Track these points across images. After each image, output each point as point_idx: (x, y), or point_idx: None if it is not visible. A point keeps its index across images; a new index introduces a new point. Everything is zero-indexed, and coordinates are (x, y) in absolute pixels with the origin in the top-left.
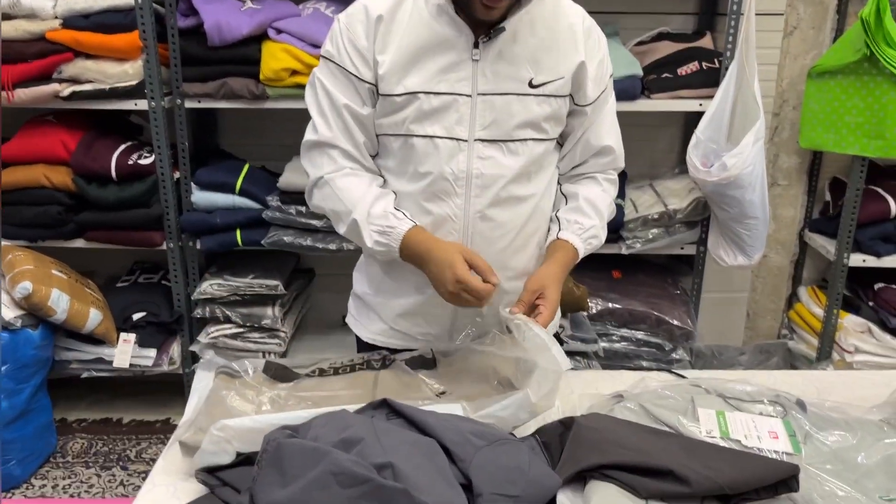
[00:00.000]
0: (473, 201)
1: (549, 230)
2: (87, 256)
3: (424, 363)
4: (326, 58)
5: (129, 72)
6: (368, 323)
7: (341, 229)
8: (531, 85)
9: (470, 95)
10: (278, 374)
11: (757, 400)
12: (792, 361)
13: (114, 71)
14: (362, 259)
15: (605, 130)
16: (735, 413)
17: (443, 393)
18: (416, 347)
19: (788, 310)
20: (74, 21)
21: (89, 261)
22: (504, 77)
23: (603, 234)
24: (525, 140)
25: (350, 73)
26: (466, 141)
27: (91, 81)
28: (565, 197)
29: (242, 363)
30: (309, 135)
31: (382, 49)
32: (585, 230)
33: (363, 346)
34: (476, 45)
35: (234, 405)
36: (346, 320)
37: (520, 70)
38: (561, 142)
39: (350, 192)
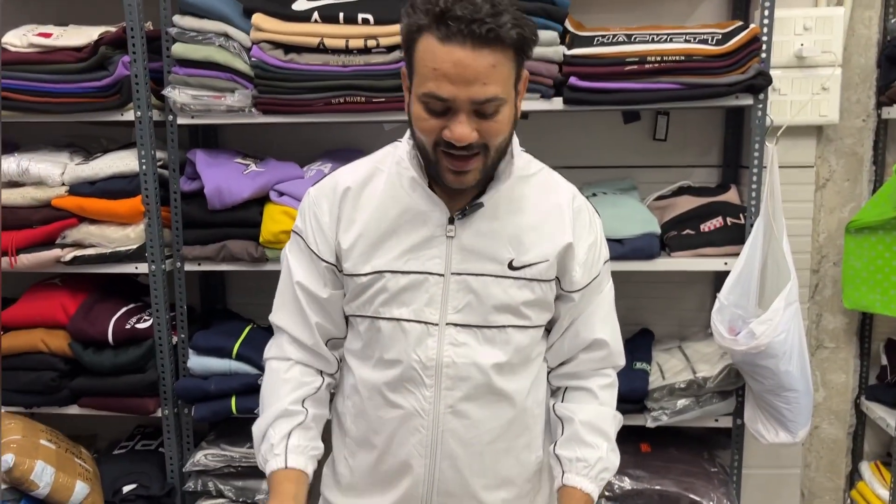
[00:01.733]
0: (444, 394)
1: (550, 466)
2: (89, 420)
3: None
4: (296, 232)
5: (130, 236)
6: None
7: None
8: (511, 266)
9: (442, 275)
10: None
11: None
12: None
13: (116, 235)
14: (330, 458)
15: (598, 322)
16: None
17: None
18: None
19: (850, 489)
20: (80, 188)
21: (93, 425)
22: (481, 256)
23: (614, 459)
24: (504, 327)
25: (312, 251)
26: (437, 325)
27: (94, 246)
28: (560, 421)
29: None
30: (271, 315)
31: (348, 227)
32: (592, 466)
33: None
34: (451, 221)
35: None
36: None
37: (499, 250)
38: (549, 328)
39: (269, 393)
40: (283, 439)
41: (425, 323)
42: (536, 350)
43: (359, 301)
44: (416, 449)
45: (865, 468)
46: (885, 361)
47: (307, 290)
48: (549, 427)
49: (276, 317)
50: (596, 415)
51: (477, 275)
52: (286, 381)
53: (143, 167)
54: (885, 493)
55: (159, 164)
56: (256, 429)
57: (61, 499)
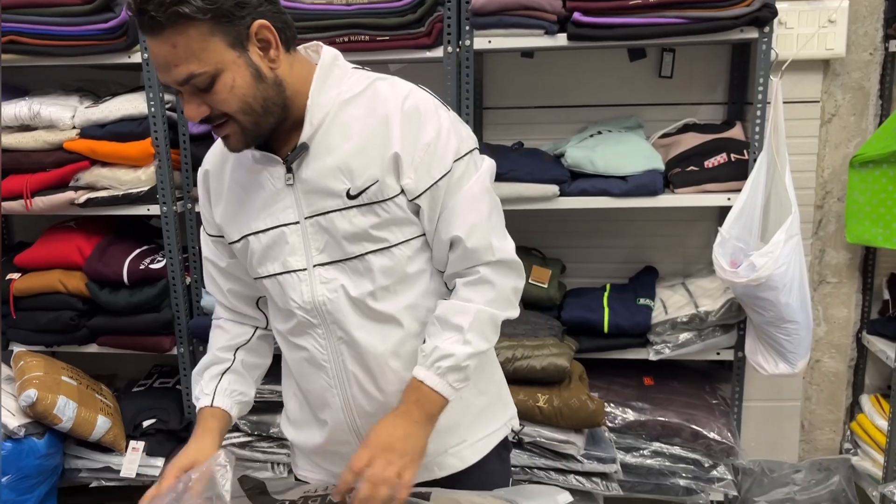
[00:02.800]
0: (332, 328)
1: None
2: (108, 360)
3: None
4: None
5: (141, 178)
6: (297, 459)
7: None
8: (349, 196)
9: (297, 222)
10: (255, 494)
11: None
12: (857, 481)
13: (127, 177)
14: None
15: (457, 220)
16: None
17: None
18: None
19: (850, 421)
20: (91, 131)
21: (112, 364)
22: (322, 194)
23: (461, 349)
24: (363, 255)
25: (204, 227)
26: (305, 270)
27: (106, 188)
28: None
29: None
30: None
31: (217, 202)
32: (427, 355)
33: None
34: (289, 169)
35: None
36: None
37: (335, 183)
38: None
39: (210, 343)
40: (212, 380)
41: (294, 271)
42: (415, 266)
43: (245, 266)
44: (326, 382)
45: (865, 401)
46: (887, 296)
47: (212, 262)
48: None
49: (205, 284)
50: (446, 309)
51: (324, 213)
52: (219, 335)
53: (152, 109)
54: (884, 425)
55: (167, 106)
56: (193, 374)
57: (84, 432)
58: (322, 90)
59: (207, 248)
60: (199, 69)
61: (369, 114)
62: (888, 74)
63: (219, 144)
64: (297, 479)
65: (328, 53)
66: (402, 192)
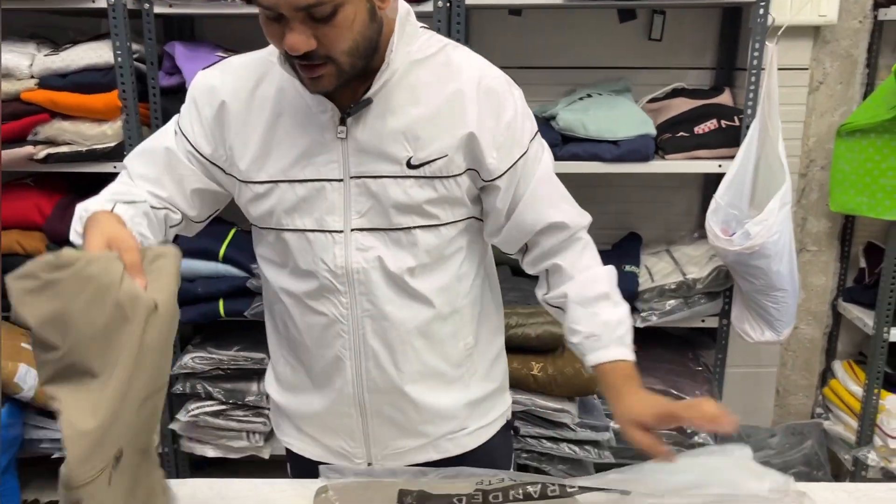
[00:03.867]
0: (360, 299)
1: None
2: None
3: None
4: (177, 118)
5: (107, 133)
6: (282, 424)
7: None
8: (409, 165)
9: (342, 180)
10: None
11: None
12: (829, 444)
13: (92, 132)
14: (270, 357)
15: (547, 203)
16: None
17: None
18: (334, 462)
19: (822, 386)
20: (51, 80)
21: None
22: (377, 157)
23: (617, 311)
24: (410, 228)
25: (184, 134)
26: (342, 232)
27: (68, 143)
28: (562, 310)
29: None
30: (127, 158)
31: (238, 131)
32: (599, 337)
33: (287, 453)
34: (343, 122)
35: None
36: (270, 415)
37: (395, 148)
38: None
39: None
40: (109, 202)
41: (329, 231)
42: (452, 247)
43: (259, 212)
44: (341, 352)
45: (838, 367)
46: (863, 264)
47: (172, 152)
48: (482, 311)
49: (132, 162)
50: (581, 287)
51: (376, 177)
52: (122, 186)
53: (119, 59)
54: (857, 390)
55: (136, 56)
56: (86, 203)
57: (46, 401)
58: (398, 45)
59: (174, 144)
60: None
61: (441, 82)
62: (876, 43)
63: (250, 68)
64: (287, 449)
65: (403, 6)
66: (468, 171)
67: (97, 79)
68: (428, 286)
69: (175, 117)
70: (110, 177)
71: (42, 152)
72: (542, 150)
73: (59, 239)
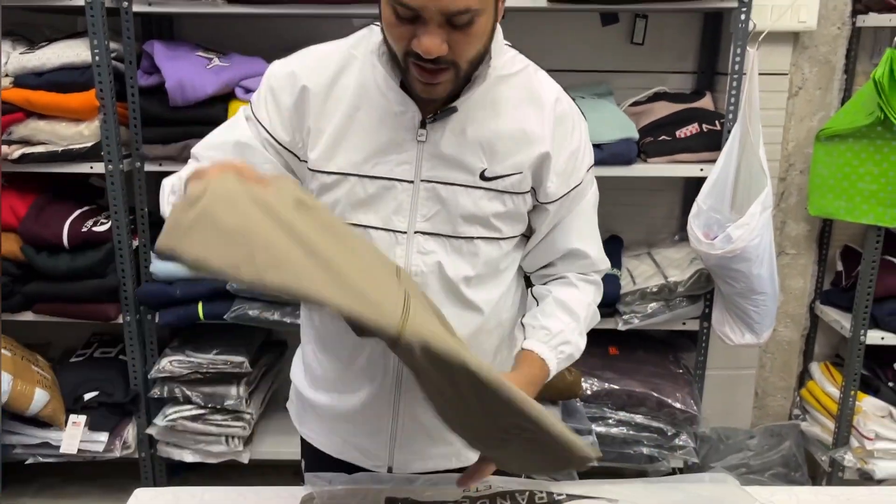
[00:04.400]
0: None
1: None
2: (42, 328)
3: None
4: (250, 108)
5: (84, 133)
6: (306, 417)
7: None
8: (483, 177)
9: (412, 182)
10: None
11: None
12: (806, 446)
13: (68, 132)
14: (300, 348)
15: (575, 232)
16: None
17: None
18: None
19: (800, 388)
20: (26, 79)
21: (45, 333)
22: (452, 164)
23: (579, 340)
24: (473, 238)
25: (260, 122)
26: (405, 233)
27: (43, 143)
28: (536, 300)
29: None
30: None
31: (319, 117)
32: (553, 336)
33: (302, 440)
34: (423, 125)
35: None
36: (287, 406)
37: (471, 158)
38: (528, 235)
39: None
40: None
41: (393, 231)
42: (507, 261)
43: (323, 199)
44: (382, 356)
45: (815, 368)
46: (840, 267)
47: (243, 144)
48: (516, 324)
49: (202, 151)
50: (570, 296)
51: (447, 184)
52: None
53: (97, 58)
54: (834, 391)
55: (113, 55)
56: (172, 178)
57: (20, 406)
58: (496, 55)
59: (250, 135)
60: (477, 5)
61: (523, 100)
62: (853, 49)
63: (333, 57)
64: (302, 439)
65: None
66: (534, 190)
67: (74, 78)
68: (481, 296)
69: (241, 111)
70: (87, 177)
71: (16, 152)
72: (592, 183)
73: (34, 240)
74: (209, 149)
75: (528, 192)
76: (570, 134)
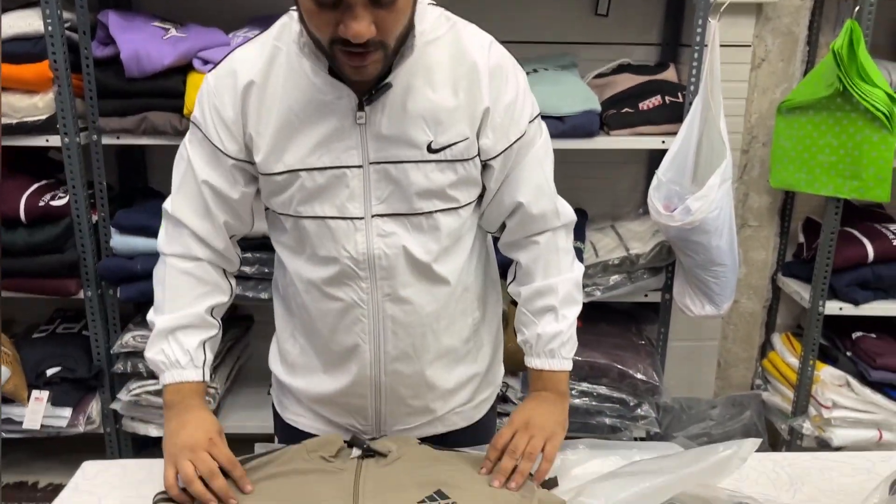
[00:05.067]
0: (381, 283)
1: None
2: (3, 304)
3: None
4: (195, 124)
5: (38, 105)
6: (288, 402)
7: (149, 315)
8: (430, 149)
9: (360, 166)
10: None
11: None
12: (767, 415)
13: (22, 104)
14: (276, 335)
15: (525, 186)
16: None
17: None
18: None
19: (762, 359)
20: None
21: (9, 310)
22: (397, 142)
23: (558, 326)
24: (432, 213)
25: (215, 146)
26: (362, 219)
27: None
28: (514, 275)
29: None
30: (167, 202)
31: (257, 121)
32: (534, 345)
33: (283, 426)
34: (361, 107)
35: None
36: (271, 392)
37: (415, 132)
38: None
39: (176, 293)
40: (199, 349)
41: (350, 218)
42: (467, 226)
43: (278, 200)
44: (359, 337)
45: (777, 339)
46: (801, 239)
47: (215, 189)
48: (485, 284)
49: (177, 209)
50: (534, 294)
51: (396, 162)
52: (199, 282)
53: (50, 28)
54: (794, 362)
55: (67, 25)
56: (162, 324)
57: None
58: (419, 20)
59: (213, 173)
60: None
61: (455, 62)
62: (816, 20)
63: (261, 51)
64: (284, 421)
65: None
66: (479, 151)
67: (27, 48)
68: (448, 268)
69: (184, 142)
70: (45, 151)
71: None
72: (540, 135)
73: None
74: (182, 205)
75: (476, 155)
76: (504, 85)
